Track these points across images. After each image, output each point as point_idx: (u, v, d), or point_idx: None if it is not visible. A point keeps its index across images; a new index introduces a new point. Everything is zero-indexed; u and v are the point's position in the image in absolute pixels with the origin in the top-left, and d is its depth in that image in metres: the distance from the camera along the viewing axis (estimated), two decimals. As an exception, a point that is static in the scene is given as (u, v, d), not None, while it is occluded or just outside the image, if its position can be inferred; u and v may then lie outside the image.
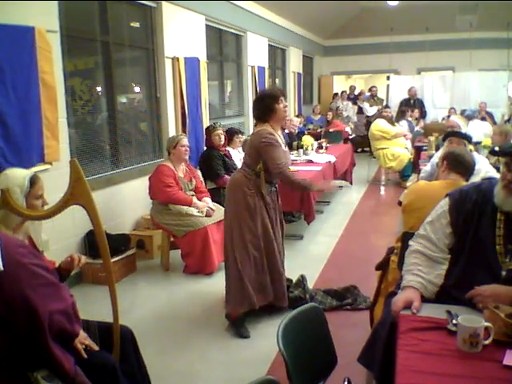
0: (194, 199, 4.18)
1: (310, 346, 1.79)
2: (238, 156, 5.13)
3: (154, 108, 5.31)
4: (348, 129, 10.45)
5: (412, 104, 10.01)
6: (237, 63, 7.77)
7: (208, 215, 4.14)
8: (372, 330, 2.12)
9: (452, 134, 3.89)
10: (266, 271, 3.10)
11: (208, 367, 2.74)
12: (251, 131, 3.83)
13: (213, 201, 4.36)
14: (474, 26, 10.53)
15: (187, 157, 4.29)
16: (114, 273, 2.30)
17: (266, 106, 3.00)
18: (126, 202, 4.60)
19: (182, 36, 5.54)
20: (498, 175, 2.50)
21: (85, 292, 3.69)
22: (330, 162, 5.91)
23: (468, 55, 10.87)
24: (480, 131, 6.52)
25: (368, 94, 11.73)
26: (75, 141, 4.12)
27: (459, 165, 2.54)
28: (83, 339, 1.82)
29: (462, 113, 8.63)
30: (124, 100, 5.05)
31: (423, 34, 11.03)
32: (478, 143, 5.34)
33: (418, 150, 7.26)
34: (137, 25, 5.14)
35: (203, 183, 4.66)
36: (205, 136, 5.07)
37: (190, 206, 4.10)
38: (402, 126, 8.20)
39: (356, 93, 12.19)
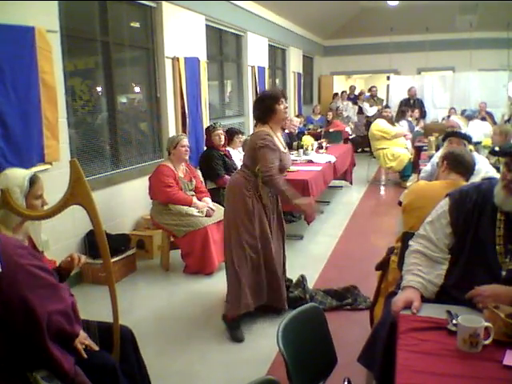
0: (194, 199, 4.18)
1: (309, 346, 1.79)
2: (238, 156, 5.13)
3: (154, 108, 5.31)
4: (348, 129, 10.45)
5: (412, 104, 10.01)
6: (237, 63, 7.76)
7: (208, 215, 4.15)
8: (372, 330, 2.12)
9: (452, 134, 3.89)
10: (263, 272, 3.10)
11: (208, 367, 2.74)
12: (251, 131, 3.83)
13: (213, 201, 4.36)
14: (474, 26, 10.52)
15: (187, 157, 4.29)
16: (113, 273, 2.30)
17: (267, 106, 3.01)
18: (126, 202, 4.60)
19: (182, 36, 5.54)
20: (498, 175, 2.50)
21: (85, 292, 3.69)
22: (330, 162, 5.91)
23: (468, 55, 10.87)
24: (480, 131, 6.52)
25: (368, 94, 11.73)
26: (75, 141, 4.12)
27: (459, 165, 2.55)
28: (83, 339, 1.81)
29: (462, 113, 8.62)
30: (124, 100, 5.05)
31: (423, 34, 11.03)
32: (478, 143, 5.34)
33: (418, 150, 7.26)
34: (137, 25, 5.14)
35: (203, 183, 4.66)
36: (205, 136, 5.06)
37: (190, 206, 4.10)
38: (402, 126, 8.19)
39: (356, 93, 12.17)
